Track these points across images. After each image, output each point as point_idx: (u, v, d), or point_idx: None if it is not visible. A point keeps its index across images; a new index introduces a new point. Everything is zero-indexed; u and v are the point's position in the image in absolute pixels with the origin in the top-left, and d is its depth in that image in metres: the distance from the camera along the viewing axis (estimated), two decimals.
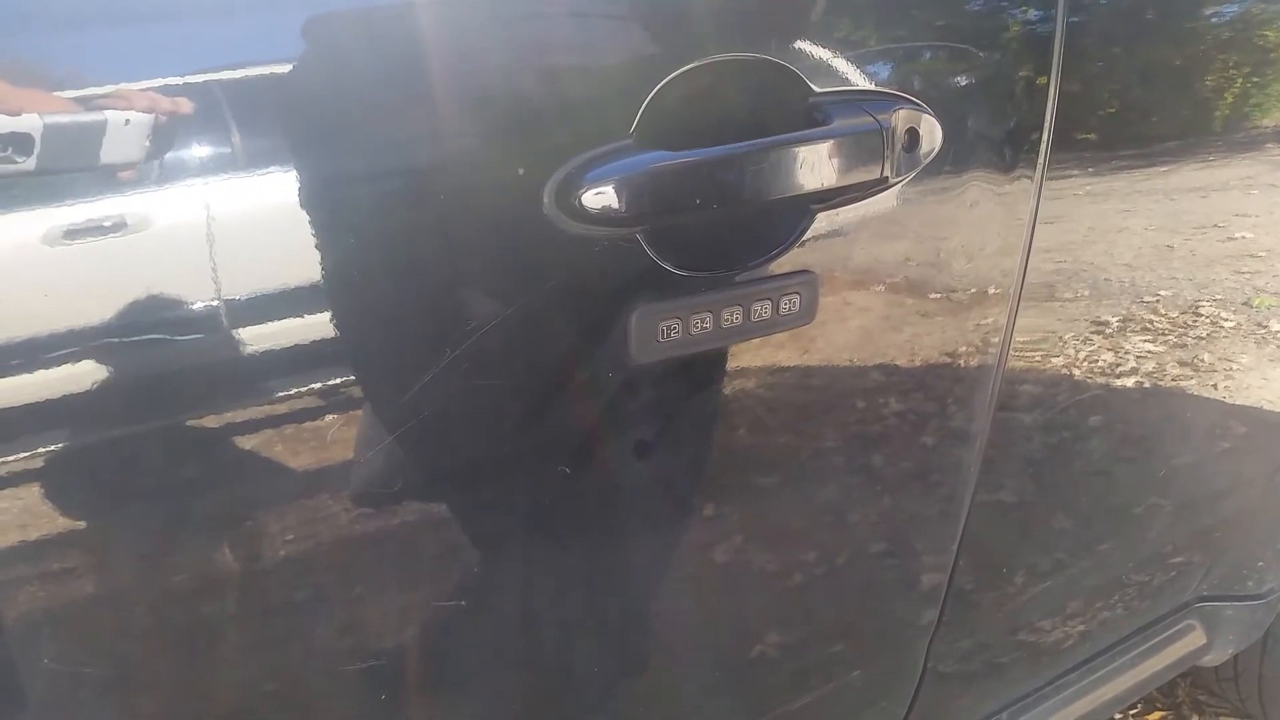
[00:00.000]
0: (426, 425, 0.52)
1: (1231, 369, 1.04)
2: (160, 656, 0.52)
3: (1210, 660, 1.32)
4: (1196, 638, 1.26)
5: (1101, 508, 1.03)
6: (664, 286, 0.56)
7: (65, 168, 0.41)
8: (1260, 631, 1.35)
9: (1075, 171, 0.74)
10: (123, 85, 0.41)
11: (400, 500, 0.55)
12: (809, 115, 0.57)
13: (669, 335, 0.56)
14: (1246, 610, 1.28)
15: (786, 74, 0.56)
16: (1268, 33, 0.86)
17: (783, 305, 0.59)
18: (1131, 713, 1.71)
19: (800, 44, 0.57)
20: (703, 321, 0.57)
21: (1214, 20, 0.83)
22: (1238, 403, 1.08)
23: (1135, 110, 0.78)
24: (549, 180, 0.50)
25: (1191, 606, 1.24)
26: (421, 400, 0.52)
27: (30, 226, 0.41)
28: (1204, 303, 0.95)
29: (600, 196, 0.50)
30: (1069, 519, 0.99)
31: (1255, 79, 0.86)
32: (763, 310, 0.59)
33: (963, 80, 0.64)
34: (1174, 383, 0.99)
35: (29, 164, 0.40)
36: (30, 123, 0.39)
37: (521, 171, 0.50)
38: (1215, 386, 1.04)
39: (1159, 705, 1.72)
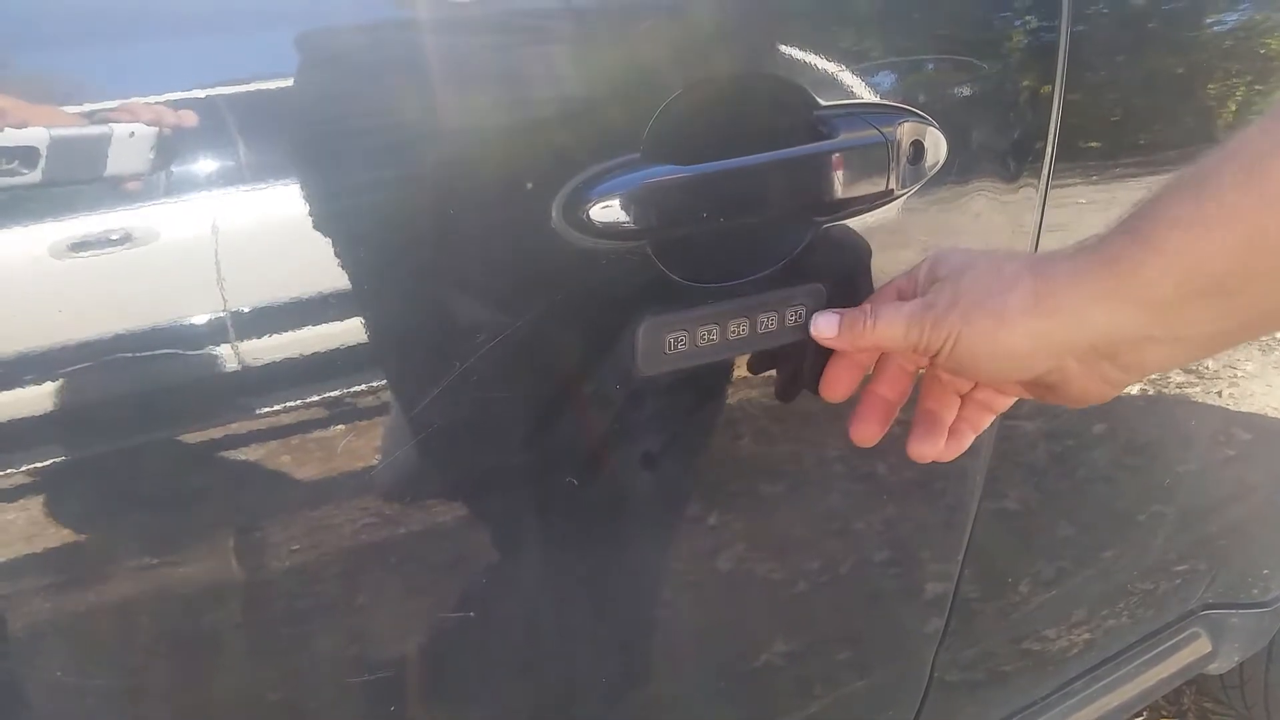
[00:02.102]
0: (435, 437, 0.52)
1: (1235, 376, 1.04)
2: (178, 667, 0.52)
3: (1216, 668, 1.32)
4: (1202, 645, 1.26)
5: (1106, 516, 1.03)
6: (671, 299, 0.56)
7: (70, 180, 0.41)
8: (1266, 639, 1.34)
9: (1078, 181, 0.74)
10: (128, 99, 0.41)
11: (410, 511, 0.55)
12: (815, 128, 0.57)
13: (676, 347, 0.56)
14: (1252, 618, 1.28)
15: (792, 88, 0.56)
16: (1269, 41, 0.86)
17: (788, 317, 0.59)
18: None
19: (805, 58, 0.57)
20: (709, 333, 0.57)
21: (1215, 29, 0.83)
22: (1242, 410, 1.08)
23: (1138, 119, 0.78)
24: (557, 194, 0.50)
25: (1197, 614, 1.24)
26: (430, 412, 0.52)
27: (36, 239, 0.41)
28: None
29: (608, 210, 0.50)
30: (1074, 527, 0.99)
31: (1258, 87, 0.86)
32: (769, 322, 0.59)
33: (967, 91, 0.64)
34: (1178, 390, 0.99)
35: (34, 176, 0.40)
36: (36, 136, 0.39)
37: (530, 185, 0.50)
38: (1219, 394, 1.04)
39: (1164, 713, 1.72)
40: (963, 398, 0.62)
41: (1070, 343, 0.50)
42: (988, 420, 0.63)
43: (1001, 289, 0.51)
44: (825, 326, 0.58)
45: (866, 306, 0.57)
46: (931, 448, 0.62)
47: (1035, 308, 0.50)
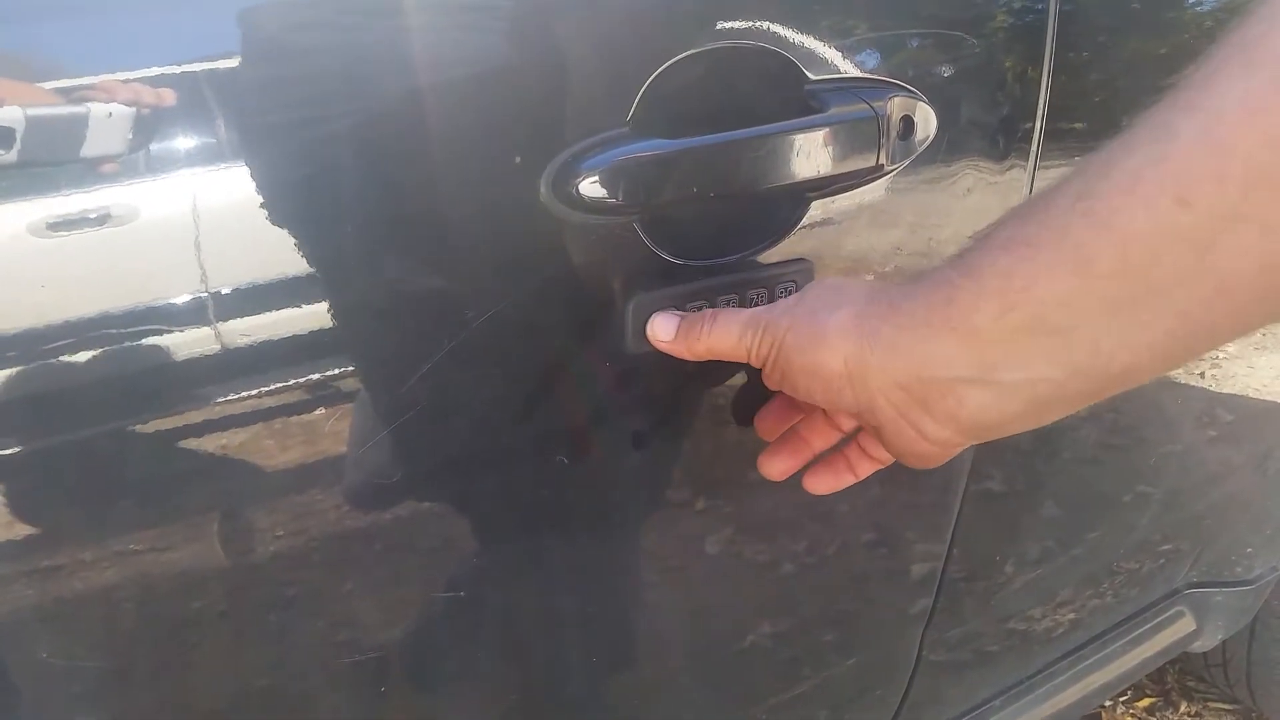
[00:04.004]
0: (423, 417, 0.52)
1: (1218, 357, 1.05)
2: (157, 654, 0.52)
3: (1200, 646, 1.33)
4: (1186, 624, 1.27)
5: (1091, 496, 1.03)
6: (660, 275, 0.56)
7: (48, 161, 0.40)
8: (1249, 617, 1.36)
9: (1065, 163, 0.74)
10: (105, 77, 0.41)
11: (398, 492, 0.54)
12: (805, 103, 0.56)
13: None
14: (1235, 596, 1.29)
15: (782, 61, 0.56)
16: None
17: (778, 294, 0.59)
18: (1121, 699, 1.72)
19: (796, 32, 0.56)
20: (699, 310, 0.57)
21: (1197, 10, 0.83)
22: (1224, 391, 1.09)
23: (1122, 100, 0.78)
24: (546, 169, 0.50)
25: (1181, 593, 1.25)
26: (418, 392, 0.51)
27: (12, 219, 0.40)
28: None
29: (597, 185, 0.50)
30: (1059, 508, 1.00)
31: None
32: (759, 299, 0.58)
33: (956, 68, 0.64)
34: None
35: (11, 157, 0.39)
36: (11, 115, 0.39)
37: (518, 160, 0.49)
38: (1202, 375, 1.05)
39: (1148, 691, 1.74)
40: (851, 439, 0.58)
41: (882, 375, 0.45)
42: (869, 467, 0.58)
43: (833, 304, 0.48)
44: (663, 330, 0.53)
45: (708, 311, 0.54)
46: (778, 465, 0.59)
47: (854, 329, 0.46)
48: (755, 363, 0.51)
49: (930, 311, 0.43)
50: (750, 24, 0.55)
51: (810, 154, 0.56)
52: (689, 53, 0.53)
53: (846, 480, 0.59)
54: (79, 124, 0.40)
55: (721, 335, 0.51)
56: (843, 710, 0.95)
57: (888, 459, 0.57)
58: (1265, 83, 0.35)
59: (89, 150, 0.41)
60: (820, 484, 0.59)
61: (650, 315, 0.55)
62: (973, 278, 0.42)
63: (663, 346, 0.54)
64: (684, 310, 0.55)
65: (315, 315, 0.48)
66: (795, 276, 0.59)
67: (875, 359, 0.45)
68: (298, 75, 0.46)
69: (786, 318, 0.49)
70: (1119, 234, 0.37)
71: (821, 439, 0.59)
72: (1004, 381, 0.42)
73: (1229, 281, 0.37)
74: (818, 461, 0.59)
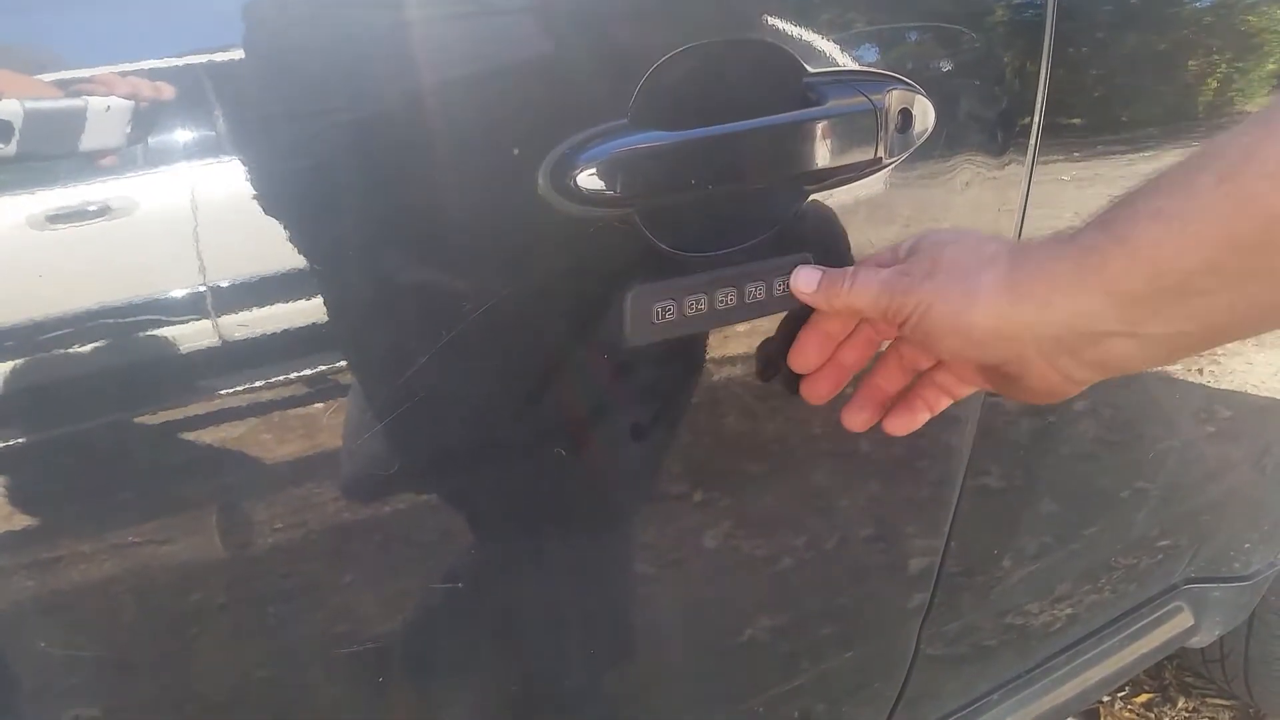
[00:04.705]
0: (421, 408, 0.52)
1: (1216, 354, 1.05)
2: (156, 645, 0.52)
3: (1198, 642, 1.33)
4: (1184, 619, 1.27)
5: (1089, 492, 1.04)
6: (658, 268, 0.56)
7: (47, 154, 0.40)
8: (1246, 612, 1.36)
9: (1060, 156, 0.74)
10: (104, 70, 0.41)
11: (396, 483, 0.54)
12: (803, 95, 0.56)
13: (664, 316, 0.56)
14: (1233, 592, 1.29)
15: (780, 54, 0.56)
16: (1249, 17, 0.86)
17: (776, 287, 0.59)
18: (1119, 695, 1.73)
19: (794, 25, 0.56)
20: (697, 303, 0.57)
21: (1196, 5, 0.83)
22: (1223, 387, 1.09)
23: (1121, 95, 0.78)
24: (544, 161, 0.50)
25: (1179, 589, 1.26)
26: (415, 383, 0.51)
27: (11, 212, 0.40)
28: None
29: (595, 177, 0.50)
30: (1057, 504, 1.00)
31: (1237, 64, 0.86)
32: (757, 292, 0.58)
33: (955, 62, 0.64)
34: (1160, 368, 0.99)
35: (9, 150, 0.39)
36: (10, 108, 0.39)
37: (516, 152, 0.49)
38: (1200, 371, 1.05)
39: (1146, 687, 1.74)
40: (922, 377, 0.63)
41: (1035, 331, 0.49)
42: (944, 404, 0.64)
43: (977, 267, 0.51)
44: (805, 282, 0.58)
45: (849, 268, 0.57)
46: (859, 417, 0.64)
47: (1007, 290, 0.50)
48: (891, 322, 0.55)
49: (1083, 274, 0.47)
50: (749, 17, 0.55)
51: (809, 146, 0.56)
52: (688, 45, 0.53)
53: (924, 418, 0.64)
54: (77, 117, 0.40)
55: (860, 291, 0.56)
56: (840, 704, 0.95)
57: (964, 394, 0.63)
58: None
59: (87, 143, 0.41)
60: (902, 425, 0.64)
61: (797, 272, 0.58)
62: (1125, 246, 0.46)
63: (804, 298, 0.58)
64: (682, 304, 0.56)
65: (314, 308, 0.48)
66: (793, 269, 0.59)
67: (1030, 316, 0.49)
68: (296, 69, 0.46)
69: (929, 284, 0.53)
70: (1264, 215, 0.42)
71: (894, 384, 0.64)
72: (1149, 334, 0.47)
73: None
74: (895, 405, 0.64)
